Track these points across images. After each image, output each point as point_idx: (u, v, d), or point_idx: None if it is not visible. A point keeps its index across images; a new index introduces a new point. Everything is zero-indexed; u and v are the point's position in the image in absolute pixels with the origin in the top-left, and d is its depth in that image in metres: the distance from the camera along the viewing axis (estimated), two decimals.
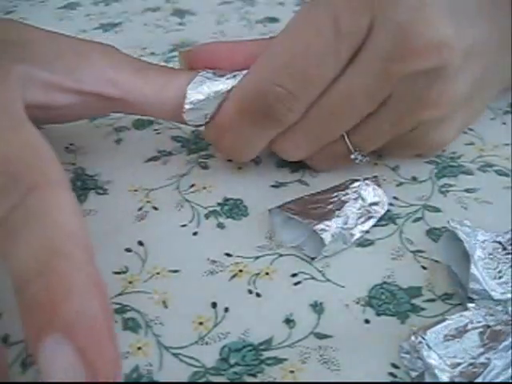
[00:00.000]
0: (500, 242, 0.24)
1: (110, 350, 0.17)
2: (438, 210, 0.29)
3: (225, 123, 0.29)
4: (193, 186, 0.31)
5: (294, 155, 0.30)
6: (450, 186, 0.31)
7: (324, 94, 0.27)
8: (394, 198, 0.30)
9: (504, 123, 0.36)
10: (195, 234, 0.28)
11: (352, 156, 0.30)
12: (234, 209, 0.29)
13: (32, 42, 0.27)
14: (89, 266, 0.18)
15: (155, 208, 0.30)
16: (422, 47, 0.26)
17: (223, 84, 0.28)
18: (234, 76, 0.28)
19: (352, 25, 0.26)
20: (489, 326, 0.21)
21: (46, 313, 0.17)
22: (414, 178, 0.31)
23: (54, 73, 0.26)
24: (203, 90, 0.28)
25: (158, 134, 0.35)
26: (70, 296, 0.17)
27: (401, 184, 0.31)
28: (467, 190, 0.30)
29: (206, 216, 0.29)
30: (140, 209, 0.30)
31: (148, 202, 0.30)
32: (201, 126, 0.30)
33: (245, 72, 0.28)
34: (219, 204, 0.30)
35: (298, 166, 0.32)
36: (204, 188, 0.31)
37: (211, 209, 0.29)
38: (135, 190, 0.31)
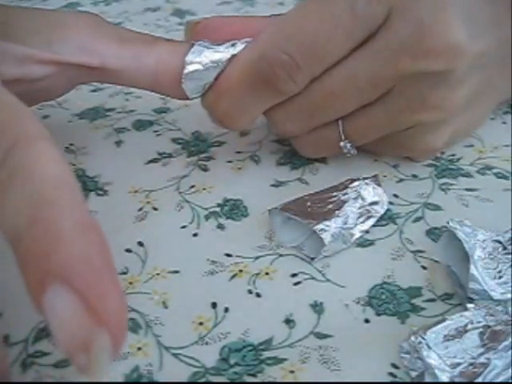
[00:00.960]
0: (500, 242, 0.24)
1: (112, 293, 0.17)
2: (438, 207, 0.29)
3: (224, 87, 0.28)
4: (193, 186, 0.31)
5: (284, 129, 0.30)
6: (451, 184, 0.31)
7: (328, 72, 0.27)
8: (394, 195, 0.30)
9: (504, 123, 0.35)
10: (195, 235, 0.28)
11: (341, 144, 0.30)
12: (233, 209, 0.29)
13: (7, 19, 0.27)
14: (77, 210, 0.18)
15: (155, 209, 0.30)
16: (437, 48, 0.26)
17: (222, 53, 0.28)
18: (233, 45, 0.28)
19: (369, 10, 0.26)
20: (489, 327, 0.21)
21: (41, 264, 0.17)
22: (415, 176, 0.31)
23: (29, 47, 0.26)
24: (202, 59, 0.28)
25: (158, 135, 0.35)
26: (59, 243, 0.17)
27: (401, 180, 0.31)
28: (468, 189, 0.30)
29: (206, 217, 0.29)
30: (140, 209, 0.30)
31: (148, 202, 0.30)
32: (196, 97, 0.29)
33: (244, 41, 0.28)
34: (219, 205, 0.30)
35: (298, 163, 0.32)
36: (204, 189, 0.31)
37: (211, 210, 0.29)
38: (135, 191, 0.31)
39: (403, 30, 0.26)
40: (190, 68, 0.28)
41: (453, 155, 0.33)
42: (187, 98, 0.30)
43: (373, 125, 0.29)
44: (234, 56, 0.28)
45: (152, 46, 0.29)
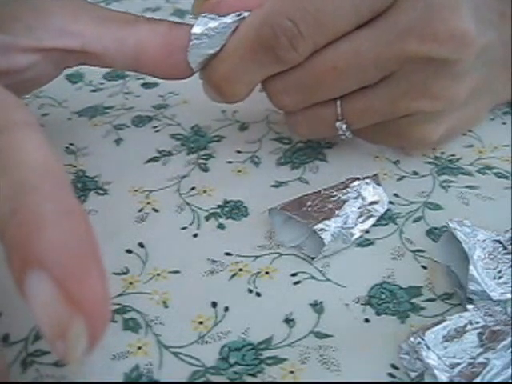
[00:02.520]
0: (500, 242, 0.24)
1: (91, 280, 0.16)
2: (438, 207, 0.29)
3: (225, 51, 0.28)
4: (193, 189, 0.31)
5: (281, 102, 0.29)
6: (451, 181, 0.31)
7: (332, 45, 0.27)
8: (395, 195, 0.30)
9: (504, 123, 0.35)
10: (195, 235, 0.28)
11: (337, 124, 0.29)
12: (234, 210, 0.29)
13: None
14: (59, 195, 0.18)
15: (155, 210, 0.30)
16: (446, 34, 0.25)
17: (228, 23, 0.27)
18: (239, 15, 0.28)
19: None
20: (487, 327, 0.21)
21: (22, 251, 0.17)
22: (415, 173, 0.31)
23: (10, 34, 0.26)
24: (208, 30, 0.27)
25: (157, 131, 0.35)
26: (40, 229, 0.16)
27: (402, 178, 0.31)
28: (468, 187, 0.30)
29: (207, 218, 0.29)
30: (140, 210, 0.30)
31: (148, 203, 0.30)
32: (199, 70, 0.29)
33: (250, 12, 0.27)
34: (219, 206, 0.30)
35: (298, 162, 0.32)
36: (204, 191, 0.31)
37: (211, 211, 0.29)
38: (135, 191, 0.31)
39: (412, 12, 0.26)
40: (195, 40, 0.27)
41: (453, 155, 0.33)
42: (169, 78, 0.30)
43: (371, 108, 0.28)
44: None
45: (133, 26, 0.28)
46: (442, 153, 0.33)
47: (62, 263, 0.16)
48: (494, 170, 0.31)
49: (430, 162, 0.32)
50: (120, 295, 0.25)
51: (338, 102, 0.29)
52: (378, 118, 0.29)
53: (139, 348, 0.23)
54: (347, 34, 0.27)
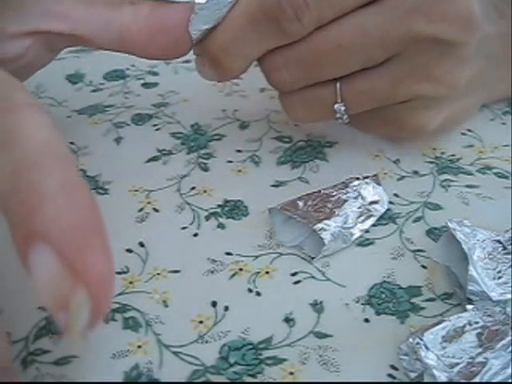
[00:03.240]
0: (500, 242, 0.25)
1: (94, 252, 0.17)
2: (438, 207, 0.29)
3: (226, 23, 0.27)
4: (193, 188, 0.31)
5: (279, 78, 0.28)
6: (452, 181, 0.31)
7: (337, 22, 0.26)
8: (395, 194, 0.30)
9: (503, 123, 0.36)
10: (195, 235, 0.28)
11: (335, 106, 0.29)
12: (234, 209, 0.29)
13: None
14: (62, 171, 0.18)
15: (156, 210, 0.30)
16: (454, 15, 0.25)
17: None
18: None
19: None
20: (486, 327, 0.21)
21: (25, 225, 0.17)
22: (416, 172, 0.31)
23: None
24: (210, 2, 0.27)
25: (158, 129, 0.35)
26: (43, 204, 0.17)
27: (402, 178, 0.31)
28: (468, 186, 0.30)
29: (207, 218, 0.29)
30: (141, 210, 0.30)
31: (149, 203, 0.30)
32: (197, 44, 0.28)
33: None
34: (219, 206, 0.30)
35: (298, 161, 0.32)
36: (205, 191, 0.31)
37: (212, 210, 0.29)
38: (135, 191, 0.31)
39: None
40: (198, 11, 0.27)
41: (453, 155, 0.33)
42: (156, 58, 0.29)
43: (372, 90, 0.28)
44: None
45: (117, 8, 0.28)
46: (443, 153, 0.33)
47: (65, 236, 0.16)
48: (494, 170, 0.32)
49: (430, 162, 0.32)
50: (120, 294, 0.25)
51: (338, 84, 0.28)
52: (378, 102, 0.29)
53: (139, 347, 0.23)
54: (354, 10, 0.26)
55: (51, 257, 0.16)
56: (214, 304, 0.24)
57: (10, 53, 0.27)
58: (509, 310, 0.22)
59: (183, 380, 0.22)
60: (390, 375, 0.22)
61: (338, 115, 0.29)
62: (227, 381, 0.22)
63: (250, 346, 0.23)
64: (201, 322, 0.24)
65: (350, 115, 0.29)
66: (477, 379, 0.20)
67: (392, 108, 0.29)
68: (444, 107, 0.29)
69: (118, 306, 0.24)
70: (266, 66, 0.29)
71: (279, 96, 0.31)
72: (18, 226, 0.17)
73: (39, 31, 0.27)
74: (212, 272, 0.26)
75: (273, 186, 0.31)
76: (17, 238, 0.17)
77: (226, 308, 0.24)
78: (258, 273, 0.26)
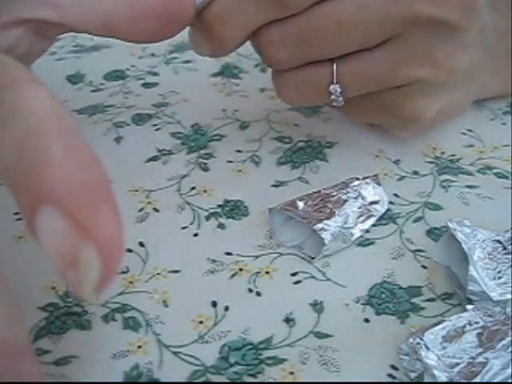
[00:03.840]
0: (500, 242, 0.25)
1: (104, 212, 0.17)
2: (438, 207, 0.29)
3: None
4: (193, 188, 0.31)
5: (274, 54, 0.28)
6: (452, 181, 0.31)
7: None
8: (395, 195, 0.30)
9: (504, 123, 0.36)
10: (196, 235, 0.28)
11: (331, 87, 0.28)
12: (234, 209, 0.29)
13: None
14: (65, 136, 0.18)
15: (156, 210, 0.30)
16: None
17: None
18: None
19: None
20: (487, 327, 0.21)
21: (34, 192, 0.17)
22: (416, 172, 0.31)
23: None
24: None
25: (158, 129, 0.35)
26: (49, 168, 0.17)
27: (402, 178, 0.31)
28: (468, 186, 0.30)
29: (207, 218, 0.29)
30: (141, 210, 0.30)
31: (149, 203, 0.30)
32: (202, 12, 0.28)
33: None
34: (219, 206, 0.30)
35: (298, 162, 0.32)
36: (205, 191, 0.31)
37: (212, 210, 0.29)
38: (136, 191, 0.31)
39: None
40: None
41: (453, 155, 0.33)
42: (143, 42, 0.29)
43: (370, 72, 0.27)
44: None
45: None
46: (443, 153, 0.33)
47: (73, 196, 0.16)
48: (495, 170, 0.32)
49: (430, 162, 0.32)
50: (120, 294, 0.25)
51: (335, 64, 0.27)
52: (375, 84, 0.28)
53: (139, 347, 0.23)
54: None
55: (59, 218, 0.16)
56: (214, 304, 0.24)
57: (3, 43, 0.27)
58: (509, 310, 0.22)
59: (183, 380, 0.22)
60: (390, 375, 0.22)
61: (333, 97, 0.28)
62: (227, 381, 0.22)
63: (250, 346, 0.23)
64: (201, 322, 0.24)
65: (345, 99, 0.29)
66: (477, 379, 0.20)
67: (388, 92, 0.28)
68: (441, 95, 0.29)
69: (118, 305, 0.24)
70: (261, 40, 0.28)
71: (272, 76, 0.30)
72: (24, 193, 0.17)
73: (27, 19, 0.27)
74: (212, 272, 0.26)
75: (273, 186, 0.31)
76: (24, 206, 0.17)
77: (226, 308, 0.24)
78: (258, 273, 0.26)
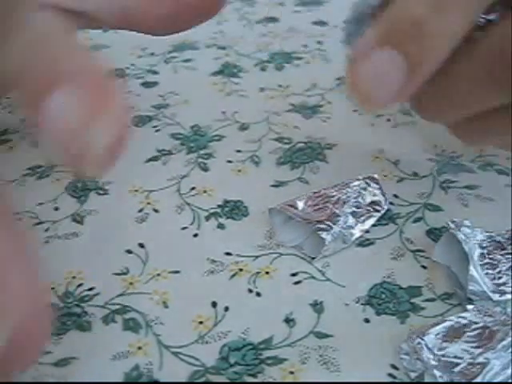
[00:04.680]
0: (500, 242, 0.25)
1: (113, 93, 0.18)
2: (438, 208, 0.29)
3: None
4: (193, 189, 0.31)
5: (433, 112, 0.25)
6: (451, 182, 0.31)
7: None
8: (395, 196, 0.30)
9: None
10: (195, 235, 0.28)
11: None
12: (234, 209, 0.29)
13: None
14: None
15: (156, 210, 0.30)
16: None
17: None
18: None
19: None
20: (487, 327, 0.21)
21: (46, 77, 0.17)
22: (415, 174, 0.31)
23: None
24: None
25: (158, 131, 0.35)
26: (63, 58, 0.18)
27: (402, 180, 0.31)
28: (468, 187, 0.30)
29: (207, 218, 0.29)
30: (140, 210, 0.30)
31: (148, 203, 0.30)
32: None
33: None
34: (219, 206, 0.30)
35: (298, 162, 0.32)
36: (204, 192, 0.31)
37: (212, 211, 0.29)
38: (135, 191, 0.31)
39: None
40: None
41: (453, 152, 0.33)
42: (159, 34, 0.30)
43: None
44: None
45: None
46: (443, 150, 0.33)
47: (86, 80, 0.17)
48: (496, 167, 0.32)
49: (431, 159, 0.32)
50: (120, 295, 0.25)
51: None
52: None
53: (139, 348, 0.23)
54: None
55: (72, 95, 0.17)
56: (214, 304, 0.24)
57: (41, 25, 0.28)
58: (509, 310, 0.22)
59: (183, 380, 0.22)
60: (390, 375, 0.22)
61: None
62: (227, 381, 0.22)
63: (250, 347, 0.23)
64: (201, 322, 0.24)
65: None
66: (478, 379, 0.20)
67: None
68: None
69: (118, 307, 0.24)
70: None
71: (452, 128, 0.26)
72: (35, 80, 0.17)
73: (48, 4, 0.27)
74: (212, 272, 0.26)
75: (273, 186, 0.31)
76: (32, 92, 0.17)
77: (226, 308, 0.24)
78: (258, 273, 0.26)
